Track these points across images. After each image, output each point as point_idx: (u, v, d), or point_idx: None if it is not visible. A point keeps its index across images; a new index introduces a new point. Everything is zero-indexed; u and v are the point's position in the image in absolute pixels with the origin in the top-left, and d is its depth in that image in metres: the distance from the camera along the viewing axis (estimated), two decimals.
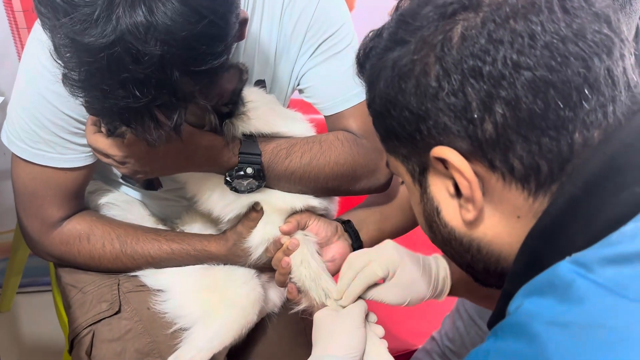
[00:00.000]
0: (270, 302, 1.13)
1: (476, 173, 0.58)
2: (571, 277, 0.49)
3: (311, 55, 1.09)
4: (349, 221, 1.11)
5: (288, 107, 1.17)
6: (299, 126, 1.07)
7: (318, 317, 0.94)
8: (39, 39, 0.96)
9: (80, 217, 1.08)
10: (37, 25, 0.97)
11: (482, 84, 0.55)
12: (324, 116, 1.17)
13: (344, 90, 1.09)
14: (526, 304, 0.52)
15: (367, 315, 0.93)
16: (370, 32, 0.68)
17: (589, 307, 0.47)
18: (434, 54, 0.58)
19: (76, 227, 1.06)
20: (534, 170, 0.57)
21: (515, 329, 0.51)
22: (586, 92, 0.55)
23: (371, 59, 0.66)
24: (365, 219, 1.13)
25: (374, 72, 0.65)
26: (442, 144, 0.59)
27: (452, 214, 0.63)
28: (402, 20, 0.63)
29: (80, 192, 1.08)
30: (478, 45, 0.56)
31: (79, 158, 1.01)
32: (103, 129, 0.94)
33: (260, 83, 1.10)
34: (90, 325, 1.04)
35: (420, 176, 0.65)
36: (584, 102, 0.55)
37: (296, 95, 1.20)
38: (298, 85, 1.15)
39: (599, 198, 0.54)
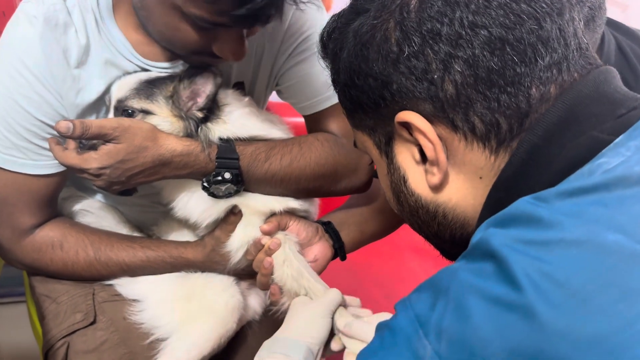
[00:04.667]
0: (251, 310, 1.11)
1: (439, 136, 0.60)
2: (532, 209, 0.52)
3: (290, 55, 1.09)
4: (329, 222, 1.11)
5: (266, 110, 1.16)
6: (276, 129, 1.06)
7: (293, 302, 0.95)
8: (13, 43, 0.93)
9: (53, 224, 1.05)
10: (10, 29, 0.94)
11: (441, 45, 0.58)
12: (303, 116, 1.17)
13: (322, 89, 1.08)
14: (490, 231, 0.54)
15: (345, 305, 0.94)
16: (333, 15, 0.71)
17: (549, 228, 0.49)
18: (393, 18, 0.60)
19: (49, 234, 1.04)
20: (495, 127, 0.59)
21: (481, 251, 0.53)
22: (540, 49, 0.57)
23: (334, 36, 0.68)
24: (346, 221, 1.13)
25: (336, 45, 0.67)
26: (405, 108, 0.61)
27: (418, 180, 0.65)
28: None
29: (53, 198, 1.05)
30: (435, 7, 0.58)
31: (52, 165, 0.98)
32: (71, 146, 0.92)
33: (239, 85, 1.09)
34: (64, 336, 1.01)
35: (386, 147, 0.67)
36: (538, 59, 0.57)
37: (273, 98, 1.20)
38: (277, 85, 1.14)
39: (558, 145, 0.56)
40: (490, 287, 0.49)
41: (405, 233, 1.10)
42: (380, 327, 0.61)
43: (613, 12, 1.18)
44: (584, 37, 0.62)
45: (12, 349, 1.88)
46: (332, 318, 0.90)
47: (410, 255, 1.75)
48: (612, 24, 1.21)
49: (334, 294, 0.93)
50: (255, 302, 1.12)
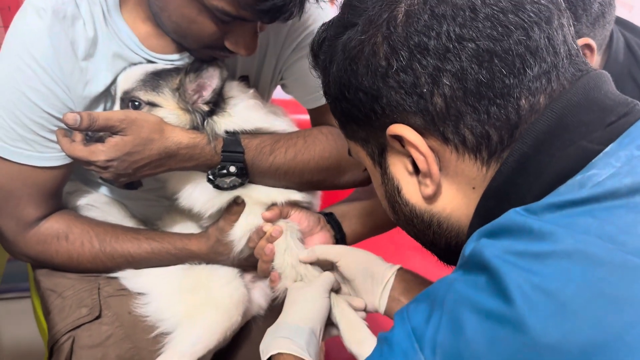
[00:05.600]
0: (255, 304, 1.11)
1: (431, 148, 0.61)
2: (522, 220, 0.52)
3: (294, 49, 1.09)
4: (331, 213, 1.12)
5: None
6: (280, 121, 1.07)
7: (289, 289, 0.96)
8: (21, 35, 0.93)
9: (58, 215, 1.05)
10: (18, 21, 0.94)
11: (428, 59, 0.57)
12: (308, 110, 1.17)
13: None
14: (482, 242, 0.54)
15: (338, 290, 0.95)
16: (322, 24, 0.70)
17: (540, 240, 0.49)
18: (380, 33, 0.60)
19: (54, 226, 1.04)
20: (485, 138, 0.59)
21: (475, 262, 0.53)
22: (529, 59, 0.57)
23: (324, 48, 0.67)
24: (348, 213, 1.13)
25: (326, 59, 0.67)
26: (396, 121, 0.61)
27: (412, 191, 0.65)
28: (348, 4, 0.65)
29: (58, 191, 1.05)
30: (422, 21, 0.58)
31: (59, 157, 0.99)
32: (78, 138, 0.92)
33: (244, 79, 1.09)
34: (69, 331, 1.01)
35: (379, 158, 0.67)
36: (527, 70, 0.57)
37: (276, 95, 1.20)
38: (281, 79, 1.14)
39: (547, 154, 0.56)
40: (483, 301, 0.50)
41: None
42: (380, 340, 0.61)
43: (619, 12, 1.18)
44: (574, 42, 0.61)
45: (16, 344, 1.88)
46: (329, 298, 0.92)
47: (412, 254, 1.74)
48: (620, 22, 1.21)
49: (327, 275, 0.95)
50: (260, 296, 1.11)
